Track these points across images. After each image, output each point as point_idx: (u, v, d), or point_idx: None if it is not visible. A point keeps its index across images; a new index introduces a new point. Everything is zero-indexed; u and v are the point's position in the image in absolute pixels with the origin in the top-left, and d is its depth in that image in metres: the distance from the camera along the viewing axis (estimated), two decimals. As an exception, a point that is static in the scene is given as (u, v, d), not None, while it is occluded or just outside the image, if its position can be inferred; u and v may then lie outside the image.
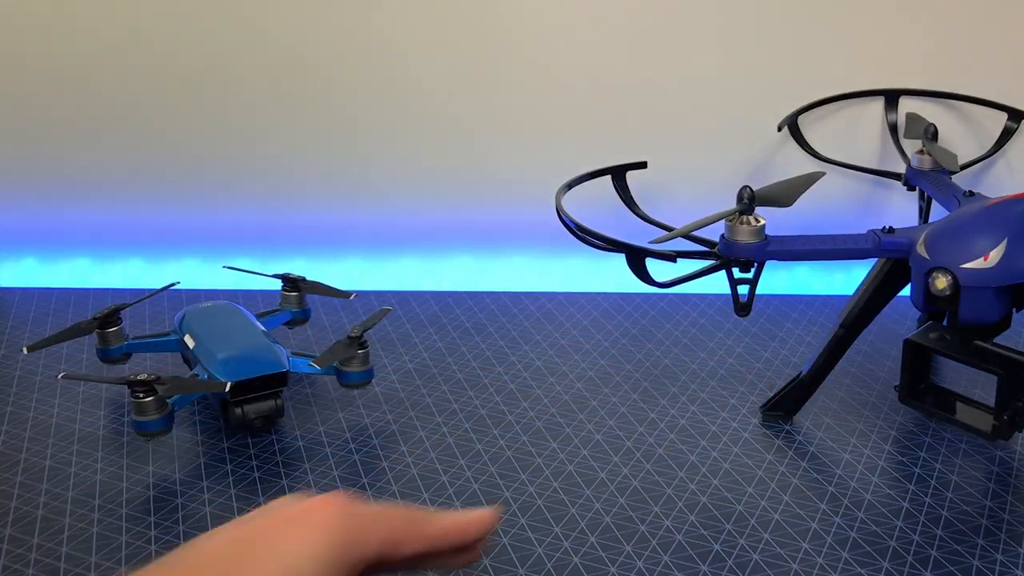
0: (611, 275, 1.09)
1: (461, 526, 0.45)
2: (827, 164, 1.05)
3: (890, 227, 0.74)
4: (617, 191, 0.87)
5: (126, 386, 0.73)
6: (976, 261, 0.68)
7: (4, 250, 1.16)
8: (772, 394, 0.82)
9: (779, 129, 1.05)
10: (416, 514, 0.45)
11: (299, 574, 0.40)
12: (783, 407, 0.81)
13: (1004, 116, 1.04)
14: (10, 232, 1.15)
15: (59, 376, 0.81)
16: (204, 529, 0.67)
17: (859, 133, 1.08)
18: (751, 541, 0.66)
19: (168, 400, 0.74)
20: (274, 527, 0.42)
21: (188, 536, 0.66)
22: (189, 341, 0.83)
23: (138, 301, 0.92)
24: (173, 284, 0.94)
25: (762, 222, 0.71)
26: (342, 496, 0.43)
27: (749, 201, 0.70)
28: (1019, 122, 1.03)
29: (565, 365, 0.92)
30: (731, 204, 0.71)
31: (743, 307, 0.73)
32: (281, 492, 0.72)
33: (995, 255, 0.68)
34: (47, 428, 0.82)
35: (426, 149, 1.11)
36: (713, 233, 0.73)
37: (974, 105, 1.05)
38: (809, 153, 1.06)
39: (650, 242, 0.70)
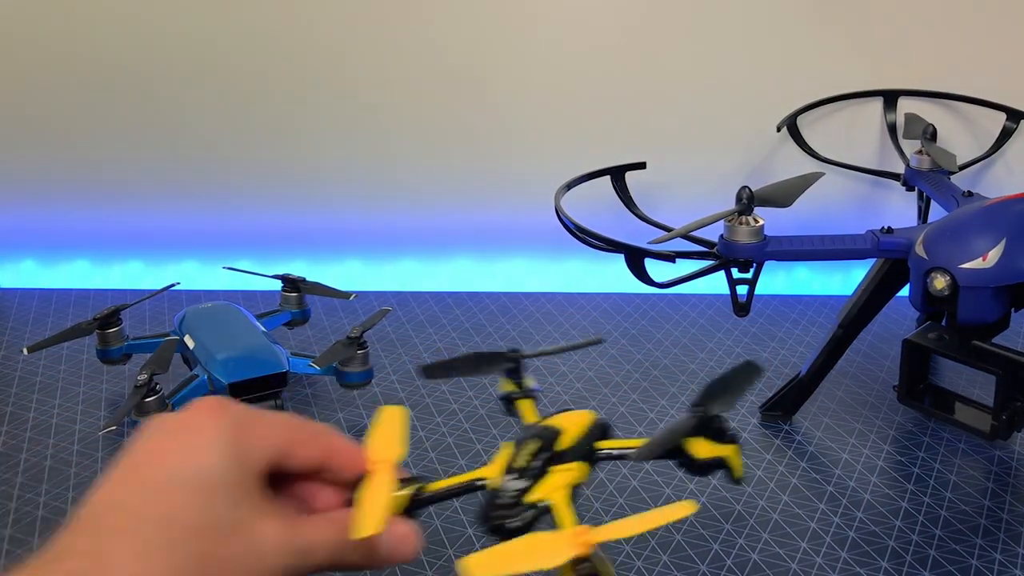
0: (611, 275, 1.10)
1: (355, 450, 0.45)
2: (826, 164, 1.05)
3: (889, 227, 0.74)
4: (616, 191, 0.87)
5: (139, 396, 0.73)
6: (975, 261, 0.68)
7: (4, 251, 1.16)
8: (771, 394, 0.82)
9: (778, 129, 1.05)
10: (311, 424, 0.45)
11: (207, 464, 0.40)
12: (782, 407, 0.81)
13: (1003, 116, 1.04)
14: (10, 233, 1.15)
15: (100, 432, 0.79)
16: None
17: (858, 133, 1.08)
18: (750, 541, 0.66)
19: (168, 400, 0.74)
20: (164, 440, 0.41)
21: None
22: (189, 342, 0.83)
23: (138, 302, 0.92)
24: (173, 285, 0.94)
25: (761, 222, 0.71)
26: (221, 399, 0.43)
27: (748, 201, 0.70)
28: (1018, 122, 1.03)
29: (565, 365, 0.93)
30: (730, 204, 0.71)
31: (742, 307, 0.73)
32: (281, 492, 0.72)
33: (993, 255, 0.68)
34: (47, 428, 0.82)
35: (426, 150, 1.11)
36: (712, 233, 0.73)
37: (973, 105, 1.05)
38: (808, 153, 1.06)
39: (649, 242, 0.70)
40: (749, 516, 0.68)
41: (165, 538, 0.39)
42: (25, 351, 0.83)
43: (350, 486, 0.45)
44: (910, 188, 0.99)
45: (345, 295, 0.92)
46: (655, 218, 0.83)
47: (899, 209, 1.07)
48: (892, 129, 1.05)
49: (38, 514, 0.70)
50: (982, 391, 0.82)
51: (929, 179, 0.94)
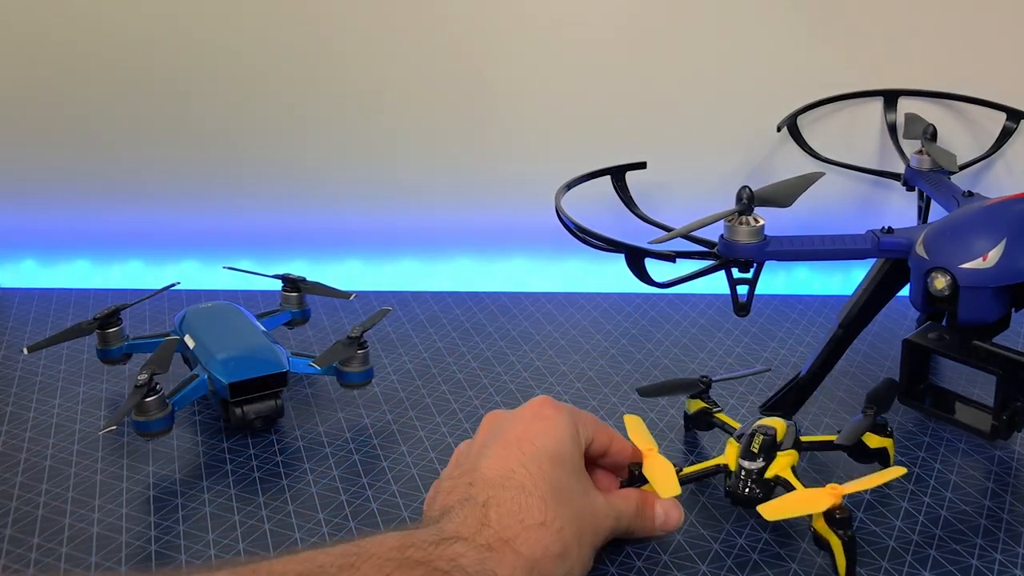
0: (611, 275, 1.10)
1: (624, 441, 0.65)
2: (826, 164, 1.05)
3: (889, 227, 0.74)
4: (616, 191, 0.87)
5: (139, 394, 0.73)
6: (975, 261, 0.68)
7: (4, 251, 1.16)
8: (771, 394, 0.82)
9: (778, 129, 1.05)
10: (623, 448, 0.65)
11: (563, 443, 0.58)
12: (782, 407, 0.81)
13: (1003, 116, 1.04)
14: (10, 233, 1.15)
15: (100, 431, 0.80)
16: (204, 529, 0.67)
17: (858, 133, 1.08)
18: (750, 541, 0.66)
19: (168, 400, 0.74)
20: (527, 425, 0.58)
21: (188, 536, 0.66)
22: (189, 341, 0.83)
23: (138, 302, 0.92)
24: (173, 285, 0.94)
25: (761, 222, 0.71)
26: (549, 399, 0.61)
27: (748, 201, 0.70)
28: (1018, 122, 1.03)
29: (565, 365, 0.93)
30: (730, 204, 0.71)
31: (742, 307, 0.73)
32: (281, 492, 0.72)
33: (994, 255, 0.68)
34: (47, 428, 0.82)
35: (426, 150, 1.11)
36: (712, 233, 0.73)
37: (973, 105, 1.05)
38: (808, 153, 1.06)
39: (649, 242, 0.70)
40: (749, 515, 0.68)
41: (554, 496, 0.54)
42: (25, 351, 0.83)
43: (619, 471, 0.65)
44: (910, 188, 0.99)
45: (345, 295, 0.92)
46: (655, 218, 0.83)
47: (899, 209, 1.07)
48: (892, 129, 1.05)
49: (38, 514, 0.70)
50: (982, 391, 0.82)
51: (929, 179, 0.94)
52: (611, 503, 0.60)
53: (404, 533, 0.50)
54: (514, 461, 0.56)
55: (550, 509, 0.53)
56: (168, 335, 0.88)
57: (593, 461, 0.64)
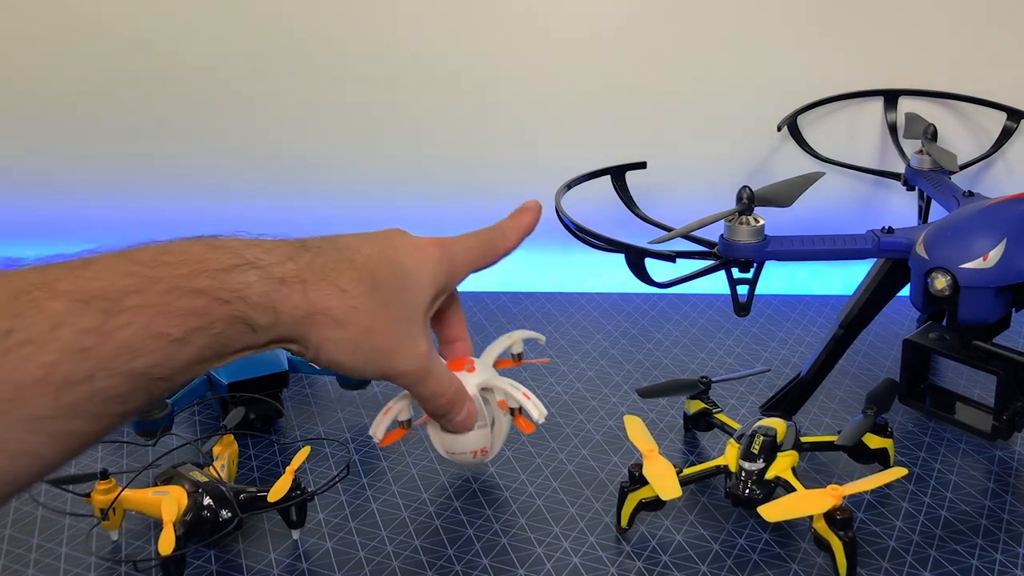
0: (611, 275, 1.09)
1: (522, 230, 0.63)
2: (827, 164, 1.05)
3: (889, 227, 0.74)
4: (617, 191, 0.87)
5: None
6: (975, 261, 0.68)
7: (4, 251, 1.16)
8: (772, 394, 0.82)
9: (779, 129, 1.05)
10: (491, 238, 0.63)
11: (421, 296, 0.55)
12: (783, 407, 0.81)
13: (1003, 116, 1.04)
14: (10, 233, 1.15)
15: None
16: (204, 529, 0.67)
17: (858, 133, 1.08)
18: (750, 541, 0.66)
19: (168, 400, 0.74)
20: (404, 248, 0.56)
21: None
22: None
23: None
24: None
25: (761, 222, 0.71)
26: (440, 240, 0.59)
27: (748, 201, 0.70)
28: (1018, 122, 1.03)
29: (565, 365, 0.92)
30: (730, 204, 0.71)
31: (742, 307, 0.73)
32: (281, 492, 0.72)
33: (994, 255, 0.68)
34: (47, 428, 0.81)
35: (426, 149, 1.11)
36: (712, 233, 0.73)
37: (973, 105, 1.05)
38: (809, 153, 1.06)
39: (650, 242, 0.70)
40: (749, 516, 0.68)
41: (375, 289, 0.51)
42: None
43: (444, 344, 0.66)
44: (911, 188, 0.99)
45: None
46: (656, 218, 0.83)
47: (900, 209, 1.07)
48: (893, 129, 1.05)
49: (38, 514, 0.70)
50: (983, 391, 0.81)
51: (930, 179, 0.94)
52: (425, 356, 0.56)
53: (209, 248, 0.47)
54: (367, 245, 0.53)
55: (362, 291, 0.51)
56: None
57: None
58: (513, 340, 0.73)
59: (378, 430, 0.66)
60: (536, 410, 0.65)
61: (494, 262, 0.62)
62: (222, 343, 0.46)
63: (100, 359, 0.41)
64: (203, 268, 0.45)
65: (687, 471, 0.67)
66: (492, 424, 0.68)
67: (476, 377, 0.65)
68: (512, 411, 0.68)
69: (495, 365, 0.72)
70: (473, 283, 1.17)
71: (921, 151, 0.97)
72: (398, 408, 0.66)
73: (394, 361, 0.53)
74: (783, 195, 0.71)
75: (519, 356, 0.74)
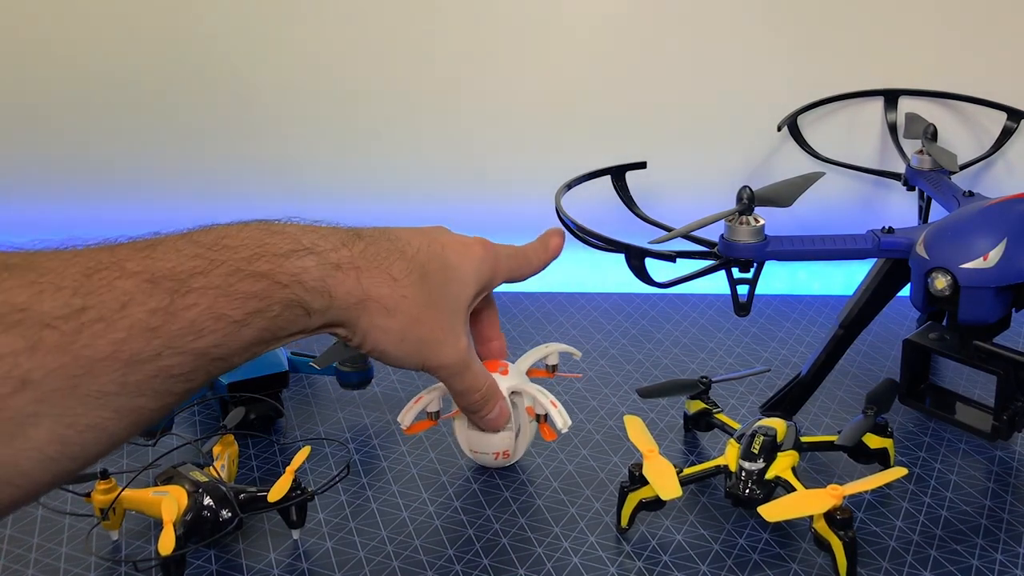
0: (611, 275, 1.09)
1: (552, 252, 0.67)
2: (827, 164, 1.05)
3: (889, 227, 0.74)
4: (617, 191, 0.87)
5: None
6: (975, 261, 0.68)
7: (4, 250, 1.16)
8: (772, 394, 0.82)
9: (779, 129, 1.05)
10: (527, 252, 0.65)
11: (465, 290, 0.57)
12: (783, 407, 0.81)
13: (1004, 116, 1.04)
14: (10, 232, 1.15)
15: None
16: (204, 529, 0.67)
17: (859, 133, 1.08)
18: (751, 541, 0.66)
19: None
20: (450, 245, 0.58)
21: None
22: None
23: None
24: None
25: (761, 222, 0.71)
26: (485, 241, 0.62)
27: (748, 201, 0.70)
28: (1019, 122, 1.03)
29: (565, 366, 0.92)
30: (731, 204, 0.71)
31: (742, 307, 0.73)
32: (281, 492, 0.72)
33: (994, 255, 0.68)
34: (47, 428, 0.81)
35: (426, 149, 1.11)
36: (713, 233, 0.73)
37: (974, 105, 1.05)
38: (809, 153, 1.06)
39: (650, 242, 0.70)
40: (750, 516, 0.68)
41: (423, 281, 0.54)
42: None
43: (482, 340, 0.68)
44: (911, 188, 0.99)
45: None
46: (656, 218, 0.83)
47: (900, 209, 1.07)
48: (893, 129, 1.05)
49: (37, 514, 0.70)
50: (983, 391, 0.81)
51: (930, 179, 0.94)
52: (466, 350, 0.59)
53: (268, 233, 0.49)
54: (416, 239, 0.56)
55: (412, 281, 0.53)
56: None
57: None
58: (549, 351, 0.75)
59: (406, 417, 0.69)
60: (561, 419, 0.67)
61: (527, 276, 0.65)
62: (279, 325, 0.47)
63: (167, 338, 0.42)
64: (263, 252, 0.47)
65: (687, 471, 0.67)
66: (518, 430, 0.70)
67: (508, 381, 0.68)
68: (538, 418, 0.69)
69: (528, 373, 0.74)
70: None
71: (921, 151, 0.97)
72: (429, 399, 0.69)
73: (437, 353, 0.55)
74: (783, 195, 0.70)
75: (554, 368, 0.76)
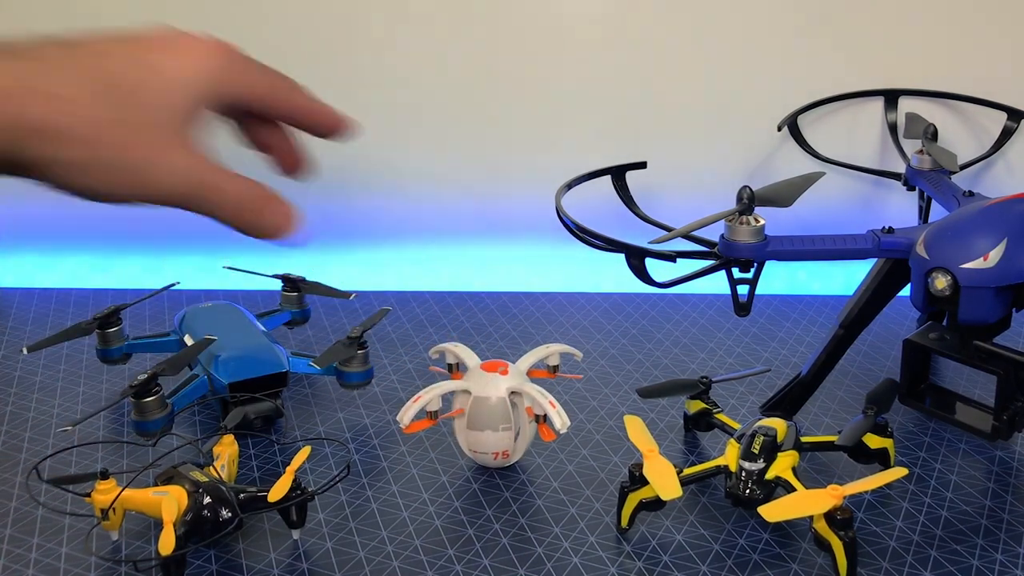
0: (611, 275, 1.09)
1: (326, 111, 0.49)
2: (827, 164, 1.05)
3: (890, 227, 0.74)
4: (617, 191, 0.87)
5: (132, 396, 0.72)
6: (976, 261, 0.68)
7: (4, 249, 1.16)
8: (772, 394, 0.82)
9: (779, 129, 1.05)
10: (289, 81, 0.50)
11: (172, 95, 0.44)
12: (783, 407, 0.81)
13: (1004, 116, 1.04)
14: (11, 231, 1.15)
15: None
16: (204, 529, 0.67)
17: (859, 133, 1.08)
18: (751, 541, 0.66)
19: (168, 400, 0.74)
20: (158, 44, 0.45)
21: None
22: (189, 341, 0.83)
23: (138, 301, 0.92)
24: (173, 284, 0.94)
25: (762, 222, 0.71)
26: (220, 41, 0.46)
27: (749, 201, 0.70)
28: (1019, 122, 1.03)
29: (565, 366, 0.92)
30: (731, 204, 0.71)
31: (743, 307, 0.72)
32: (281, 492, 0.72)
33: (994, 255, 0.68)
34: (47, 428, 0.82)
35: (426, 149, 1.11)
36: (713, 233, 0.73)
37: (974, 105, 1.05)
38: (809, 153, 1.06)
39: (650, 242, 0.70)
40: (750, 516, 0.68)
41: (104, 85, 0.41)
42: (25, 351, 0.83)
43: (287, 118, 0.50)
44: (911, 188, 0.99)
45: (345, 295, 0.92)
46: (656, 218, 0.83)
47: (900, 209, 1.07)
48: (893, 129, 1.05)
49: (38, 514, 0.70)
50: (983, 391, 0.81)
51: (930, 179, 0.94)
52: (193, 167, 0.46)
53: None
54: (106, 45, 0.44)
55: (89, 96, 0.41)
56: (168, 335, 0.88)
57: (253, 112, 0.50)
58: (550, 352, 0.76)
59: (405, 416, 0.69)
60: (559, 419, 0.67)
61: (284, 111, 0.50)
62: None
63: None
64: None
65: (687, 471, 0.67)
66: (517, 431, 0.70)
67: (508, 381, 0.67)
68: (537, 418, 0.69)
69: (529, 374, 0.74)
70: (473, 283, 1.18)
71: (921, 151, 0.97)
72: (428, 398, 0.69)
73: (153, 178, 0.44)
74: (783, 195, 0.70)
75: (555, 368, 0.77)
